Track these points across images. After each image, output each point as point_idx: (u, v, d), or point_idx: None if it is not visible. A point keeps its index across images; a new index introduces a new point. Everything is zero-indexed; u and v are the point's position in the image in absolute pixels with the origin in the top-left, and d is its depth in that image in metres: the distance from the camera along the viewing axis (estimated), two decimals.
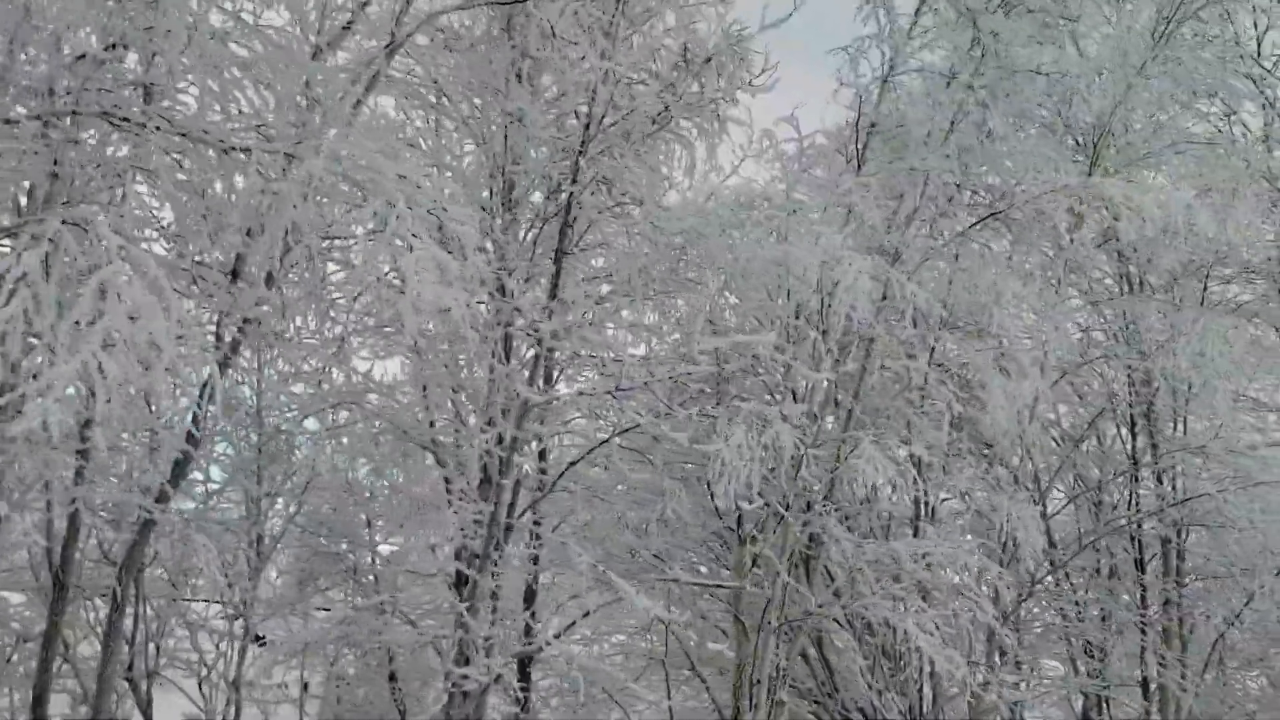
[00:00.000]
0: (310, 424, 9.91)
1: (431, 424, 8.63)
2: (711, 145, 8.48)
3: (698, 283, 9.57)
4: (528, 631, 12.70)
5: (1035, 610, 13.61)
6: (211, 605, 8.63)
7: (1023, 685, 11.02)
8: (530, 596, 12.33)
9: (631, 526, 11.96)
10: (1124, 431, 11.39)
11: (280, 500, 9.12)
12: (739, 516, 9.40)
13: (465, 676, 7.11)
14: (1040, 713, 14.81)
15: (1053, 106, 10.83)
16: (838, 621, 8.74)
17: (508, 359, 7.97)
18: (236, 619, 8.25)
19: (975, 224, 8.32)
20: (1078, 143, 11.39)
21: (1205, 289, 12.08)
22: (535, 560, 12.46)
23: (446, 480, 8.75)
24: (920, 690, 9.13)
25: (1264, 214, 12.38)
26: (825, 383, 8.14)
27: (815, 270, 7.08)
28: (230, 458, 8.88)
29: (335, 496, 9.80)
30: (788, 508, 7.97)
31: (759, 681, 8.04)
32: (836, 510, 8.57)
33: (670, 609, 12.55)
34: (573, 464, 8.51)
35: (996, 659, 10.08)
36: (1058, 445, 12.77)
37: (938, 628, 9.13)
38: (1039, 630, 11.96)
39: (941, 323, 9.01)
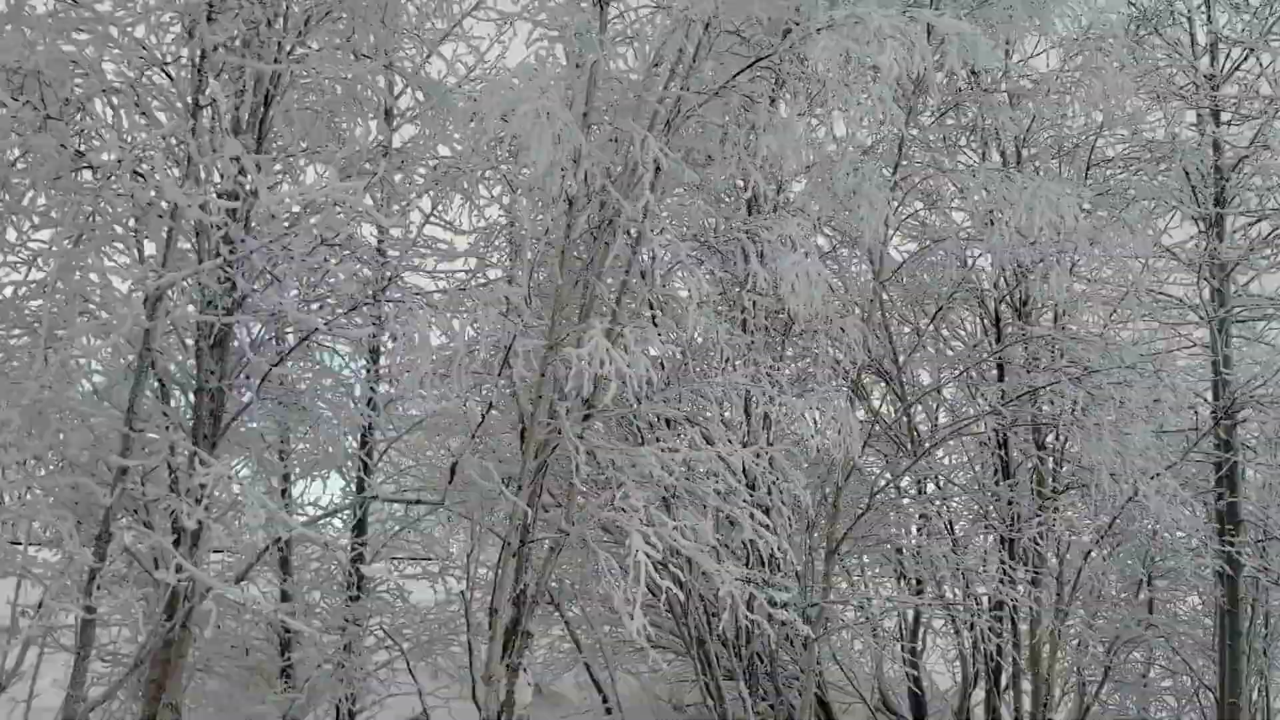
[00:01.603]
0: None
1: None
2: None
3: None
4: (357, 571, 11.72)
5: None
6: None
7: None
8: (361, 527, 11.42)
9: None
10: (987, 323, 10.22)
11: None
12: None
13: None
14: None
15: None
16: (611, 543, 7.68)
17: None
18: None
19: (739, 73, 7.07)
20: None
21: (1089, 167, 10.84)
22: (360, 488, 11.47)
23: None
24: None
25: (1149, 81, 11.11)
26: (545, 262, 6.98)
27: (493, 119, 5.89)
28: None
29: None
30: (491, 409, 6.86)
31: (495, 611, 6.98)
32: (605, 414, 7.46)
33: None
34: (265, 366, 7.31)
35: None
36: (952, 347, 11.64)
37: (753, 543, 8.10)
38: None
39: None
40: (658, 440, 7.20)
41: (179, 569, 6.33)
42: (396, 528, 11.57)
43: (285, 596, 11.14)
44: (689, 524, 6.56)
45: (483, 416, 7.06)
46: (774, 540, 7.02)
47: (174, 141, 6.50)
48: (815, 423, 7.76)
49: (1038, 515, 9.97)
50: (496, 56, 9.94)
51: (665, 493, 7.31)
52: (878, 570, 13.78)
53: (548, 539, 7.35)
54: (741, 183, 8.60)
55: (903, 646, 14.09)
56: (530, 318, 6.56)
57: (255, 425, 8.03)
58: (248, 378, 7.04)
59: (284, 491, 10.80)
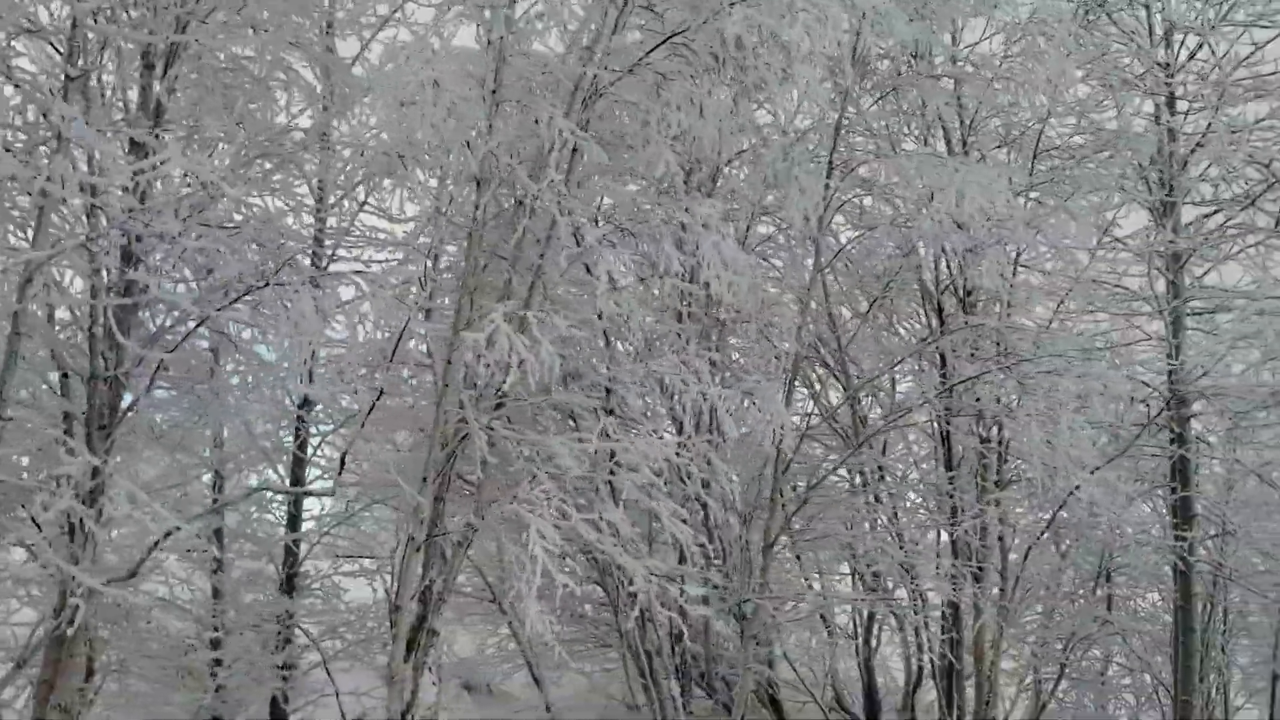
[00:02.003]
0: None
1: None
2: None
3: None
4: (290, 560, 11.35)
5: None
6: None
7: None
8: (294, 523, 11.09)
9: None
10: (931, 313, 9.96)
11: None
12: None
13: None
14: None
15: None
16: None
17: None
18: None
19: (652, 49, 6.82)
20: None
21: (1035, 155, 10.58)
22: (295, 482, 11.09)
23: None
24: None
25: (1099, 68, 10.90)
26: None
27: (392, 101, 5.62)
28: None
29: None
30: (381, 393, 6.59)
31: (398, 608, 6.71)
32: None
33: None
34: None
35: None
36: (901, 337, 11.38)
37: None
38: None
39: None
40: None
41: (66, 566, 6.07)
42: (332, 524, 11.29)
43: (217, 594, 10.88)
44: (601, 517, 6.31)
45: (372, 405, 6.79)
46: (689, 534, 6.78)
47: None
48: (735, 413, 7.52)
49: (975, 508, 9.71)
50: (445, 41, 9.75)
51: (587, 484, 7.06)
52: (823, 568, 13.54)
53: (455, 533, 7.08)
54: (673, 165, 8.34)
55: (857, 646, 13.89)
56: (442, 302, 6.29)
57: (166, 417, 7.69)
58: (165, 368, 6.73)
59: (216, 485, 10.52)
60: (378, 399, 6.94)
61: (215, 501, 10.57)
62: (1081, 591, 14.54)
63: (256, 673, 10.58)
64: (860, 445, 9.14)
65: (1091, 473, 8.60)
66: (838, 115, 9.00)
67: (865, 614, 13.71)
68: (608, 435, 6.62)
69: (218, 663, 10.58)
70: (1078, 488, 8.86)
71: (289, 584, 11.07)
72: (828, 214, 9.00)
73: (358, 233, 10.15)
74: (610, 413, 7.18)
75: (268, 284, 6.09)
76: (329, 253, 9.89)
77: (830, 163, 9.01)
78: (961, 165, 7.70)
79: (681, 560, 9.00)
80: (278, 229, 7.06)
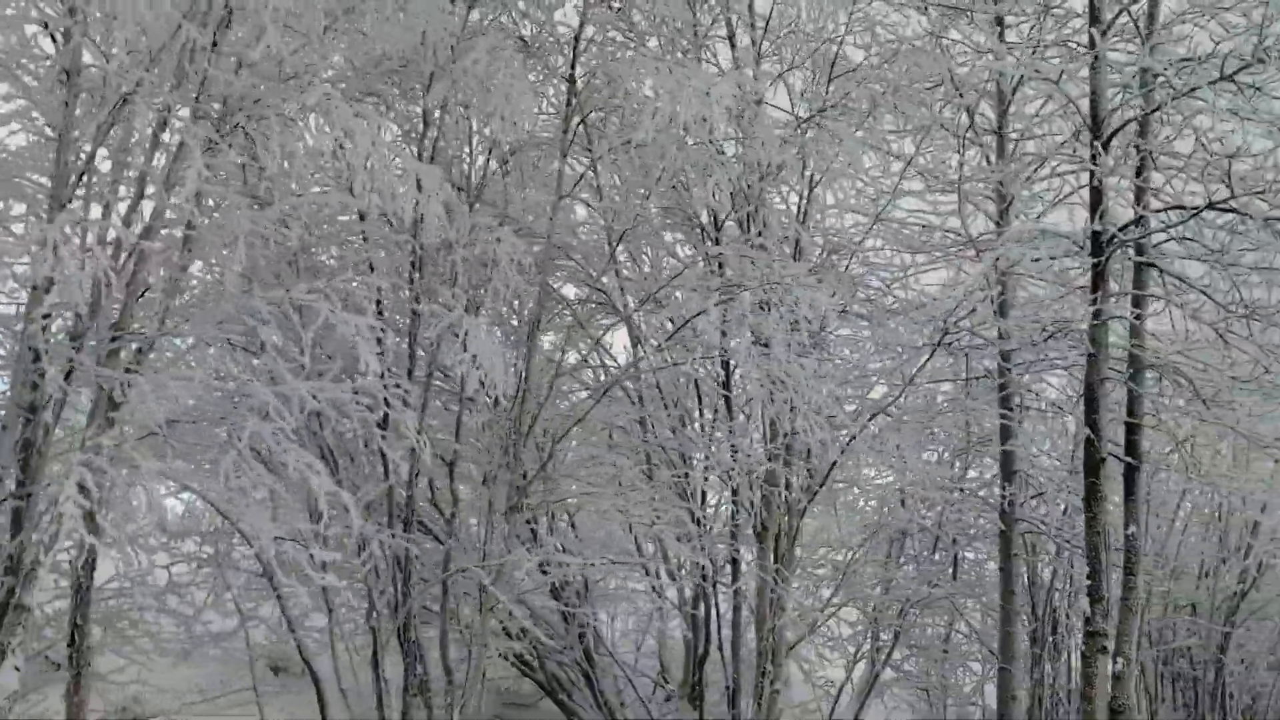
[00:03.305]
0: None
1: None
2: None
3: None
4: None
5: None
6: None
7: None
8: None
9: None
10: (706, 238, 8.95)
11: None
12: None
13: None
14: None
15: None
16: None
17: None
18: None
19: None
20: None
21: (830, 77, 9.57)
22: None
23: None
24: None
25: None
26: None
27: None
28: None
29: None
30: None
31: None
32: None
33: None
34: None
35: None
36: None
37: None
38: None
39: None
40: None
41: None
42: None
43: None
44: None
45: None
46: (326, 485, 5.78)
47: None
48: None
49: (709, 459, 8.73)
50: None
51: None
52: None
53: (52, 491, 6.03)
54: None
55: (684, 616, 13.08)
56: None
57: None
58: None
59: None
60: None
61: None
62: (927, 555, 13.82)
63: None
64: (615, 382, 8.16)
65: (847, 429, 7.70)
66: (579, 23, 8.06)
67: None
68: (218, 375, 5.58)
69: None
70: (854, 438, 8.00)
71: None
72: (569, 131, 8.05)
73: None
74: (241, 349, 6.13)
75: None
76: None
77: (572, 76, 8.08)
78: (681, 69, 6.71)
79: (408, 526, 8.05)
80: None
